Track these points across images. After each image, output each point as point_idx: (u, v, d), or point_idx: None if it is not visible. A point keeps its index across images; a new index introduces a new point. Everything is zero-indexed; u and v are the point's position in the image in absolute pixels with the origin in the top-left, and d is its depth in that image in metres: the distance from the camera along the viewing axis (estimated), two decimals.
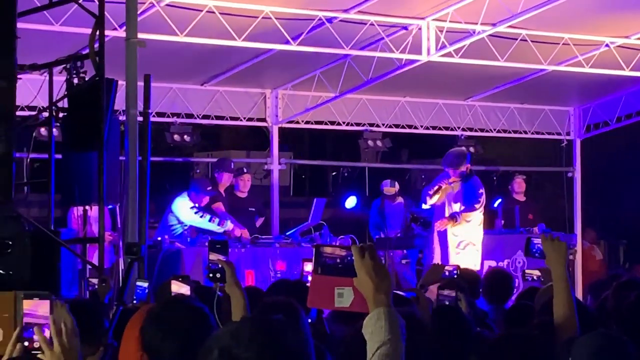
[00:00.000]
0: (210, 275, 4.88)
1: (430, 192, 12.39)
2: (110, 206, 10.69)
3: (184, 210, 12.09)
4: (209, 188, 12.40)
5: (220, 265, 4.87)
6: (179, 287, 5.43)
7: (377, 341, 2.80)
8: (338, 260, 2.96)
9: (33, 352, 3.02)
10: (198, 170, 17.52)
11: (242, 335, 2.32)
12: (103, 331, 4.91)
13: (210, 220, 12.02)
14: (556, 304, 4.25)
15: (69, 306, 3.32)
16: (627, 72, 13.40)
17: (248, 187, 13.18)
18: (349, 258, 2.92)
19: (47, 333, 3.03)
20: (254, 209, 13.21)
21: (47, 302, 3.08)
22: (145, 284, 6.44)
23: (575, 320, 4.15)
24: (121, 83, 9.15)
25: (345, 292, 2.93)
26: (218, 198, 12.56)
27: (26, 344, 3.01)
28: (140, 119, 8.80)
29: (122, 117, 9.73)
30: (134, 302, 6.24)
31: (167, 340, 3.62)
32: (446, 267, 6.90)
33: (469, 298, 6.15)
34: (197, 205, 12.08)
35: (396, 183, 14.01)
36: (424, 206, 12.64)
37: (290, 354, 2.34)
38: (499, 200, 15.22)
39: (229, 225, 12.17)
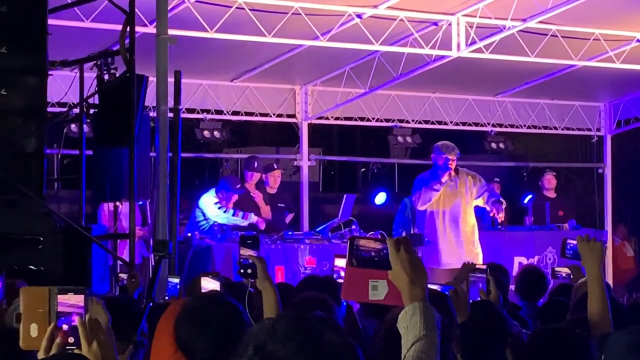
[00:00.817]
0: (242, 270, 4.86)
1: (439, 184, 11.00)
2: (140, 202, 10.74)
3: (209, 206, 12.16)
4: (238, 186, 12.43)
5: (251, 261, 4.86)
6: (208, 284, 5.43)
7: (413, 337, 2.78)
8: (373, 253, 2.95)
9: (67, 347, 3.02)
10: (228, 167, 17.53)
11: (278, 332, 2.31)
12: (134, 329, 4.91)
13: (234, 215, 12.09)
14: (590, 303, 4.27)
15: (105, 303, 3.33)
16: None
17: (278, 182, 13.17)
18: (384, 251, 2.91)
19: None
20: (283, 205, 13.21)
21: (81, 296, 3.08)
22: (177, 280, 6.45)
23: (609, 320, 4.17)
24: (151, 79, 9.18)
25: (379, 284, 2.91)
26: (243, 196, 12.59)
27: (58, 339, 3.01)
28: (170, 115, 8.83)
29: (152, 114, 9.76)
30: (166, 297, 6.26)
31: (202, 336, 3.62)
32: (477, 266, 6.86)
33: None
34: (222, 201, 12.14)
35: None
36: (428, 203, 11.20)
37: (327, 352, 2.32)
38: (530, 197, 15.15)
39: (253, 217, 12.22)
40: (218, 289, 5.31)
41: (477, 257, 10.98)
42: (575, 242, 4.80)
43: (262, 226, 12.30)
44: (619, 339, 3.46)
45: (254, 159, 13.19)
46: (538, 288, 7.76)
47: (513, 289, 8.43)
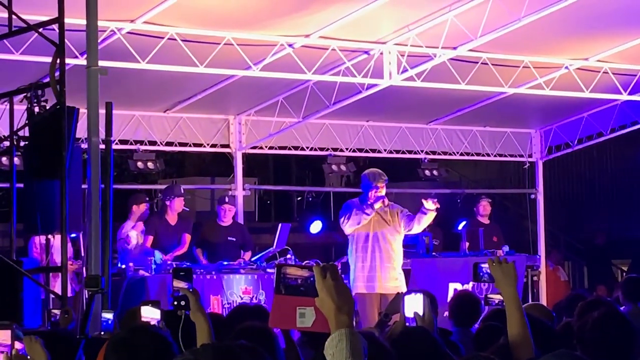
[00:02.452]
0: (175, 303, 4.87)
1: (372, 209, 10.88)
2: (73, 235, 10.64)
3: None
4: (147, 199, 12.57)
5: (182, 293, 4.87)
6: (149, 313, 5.41)
7: None
8: (300, 281, 2.96)
9: None
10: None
11: None
12: None
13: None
14: (510, 326, 4.19)
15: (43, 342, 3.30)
16: (586, 94, 13.50)
17: (229, 216, 13.08)
18: (311, 279, 2.92)
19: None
20: (234, 239, 13.11)
21: (8, 332, 3.07)
22: (110, 315, 6.41)
23: (530, 341, 4.11)
24: (83, 111, 9.11)
25: (307, 312, 2.92)
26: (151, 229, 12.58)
27: None
28: (102, 146, 8.77)
29: (84, 145, 9.69)
30: (101, 333, 6.22)
31: None
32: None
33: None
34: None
35: None
36: (350, 229, 11.03)
37: None
38: (464, 223, 15.26)
39: (158, 256, 11.99)
40: (158, 317, 5.30)
41: (401, 287, 10.94)
42: (487, 265, 4.68)
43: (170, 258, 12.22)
44: None
45: (177, 185, 13.16)
46: (472, 313, 7.78)
47: (447, 315, 8.44)
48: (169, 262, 11.74)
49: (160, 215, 12.81)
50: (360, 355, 2.79)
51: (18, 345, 4.54)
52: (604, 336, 5.05)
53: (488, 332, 6.24)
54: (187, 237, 12.70)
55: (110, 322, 6.33)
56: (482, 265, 5.00)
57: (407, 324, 5.63)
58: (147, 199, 13.06)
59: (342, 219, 11.13)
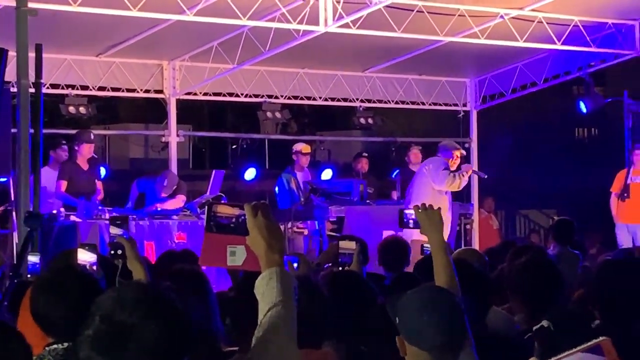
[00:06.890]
0: (112, 252, 4.86)
1: (466, 174, 12.62)
2: (2, 179, 10.48)
3: None
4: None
5: (117, 240, 4.86)
6: (85, 256, 5.37)
7: (269, 302, 2.75)
8: (231, 220, 2.93)
9: None
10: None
11: (126, 300, 2.25)
12: None
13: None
14: (436, 272, 4.20)
15: None
16: (521, 44, 13.55)
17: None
18: (242, 217, 2.89)
19: None
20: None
21: None
22: (37, 258, 6.35)
23: (457, 287, 4.13)
24: (12, 54, 8.95)
25: (237, 250, 2.90)
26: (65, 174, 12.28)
27: None
28: (32, 90, 8.62)
29: (13, 89, 9.52)
30: (28, 276, 6.16)
31: (55, 307, 3.58)
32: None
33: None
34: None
35: None
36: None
37: (178, 320, 2.28)
38: (397, 171, 15.33)
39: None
40: (94, 260, 5.28)
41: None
42: (412, 212, 4.72)
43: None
44: (411, 298, 3.48)
45: (87, 131, 12.79)
46: (400, 257, 7.89)
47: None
48: (100, 208, 11.60)
49: (72, 160, 12.41)
50: (291, 294, 2.77)
51: None
52: (530, 280, 5.12)
53: (402, 279, 6.33)
54: (100, 184, 12.48)
55: (37, 265, 6.28)
56: (407, 212, 5.05)
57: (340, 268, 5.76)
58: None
59: (439, 176, 12.40)
